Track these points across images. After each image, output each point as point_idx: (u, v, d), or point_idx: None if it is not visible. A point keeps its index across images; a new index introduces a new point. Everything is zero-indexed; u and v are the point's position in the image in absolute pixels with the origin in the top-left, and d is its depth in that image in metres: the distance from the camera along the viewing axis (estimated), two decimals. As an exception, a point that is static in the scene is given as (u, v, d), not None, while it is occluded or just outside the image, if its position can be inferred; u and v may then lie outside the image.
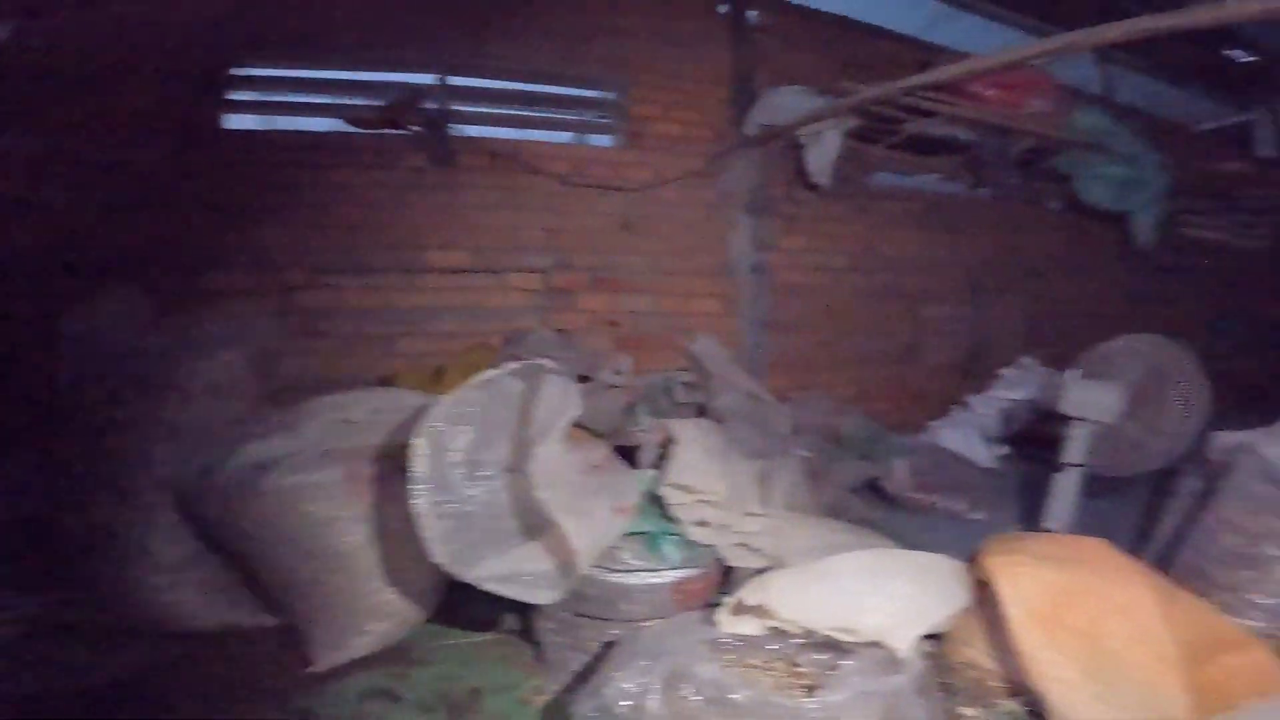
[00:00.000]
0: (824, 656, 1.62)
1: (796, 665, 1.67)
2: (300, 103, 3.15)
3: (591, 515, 1.65)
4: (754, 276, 3.84)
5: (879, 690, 1.45)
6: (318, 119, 3.17)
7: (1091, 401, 2.33)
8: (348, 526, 1.84)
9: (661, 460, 2.06)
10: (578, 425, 2.25)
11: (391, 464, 1.74)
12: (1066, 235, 4.82)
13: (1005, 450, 3.77)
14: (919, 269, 4.36)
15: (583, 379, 2.80)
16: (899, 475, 3.21)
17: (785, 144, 3.82)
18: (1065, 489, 2.51)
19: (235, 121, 3.02)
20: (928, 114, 3.65)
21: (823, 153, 3.65)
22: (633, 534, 1.88)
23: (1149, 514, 2.33)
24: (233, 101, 3.01)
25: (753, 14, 3.90)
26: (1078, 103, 3.89)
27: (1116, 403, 2.30)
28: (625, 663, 1.56)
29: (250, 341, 2.15)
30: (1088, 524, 2.83)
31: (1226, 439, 1.97)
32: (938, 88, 3.29)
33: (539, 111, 3.57)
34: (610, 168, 3.61)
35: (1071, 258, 4.87)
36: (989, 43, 4.41)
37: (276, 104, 3.14)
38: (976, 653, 1.69)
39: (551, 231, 3.45)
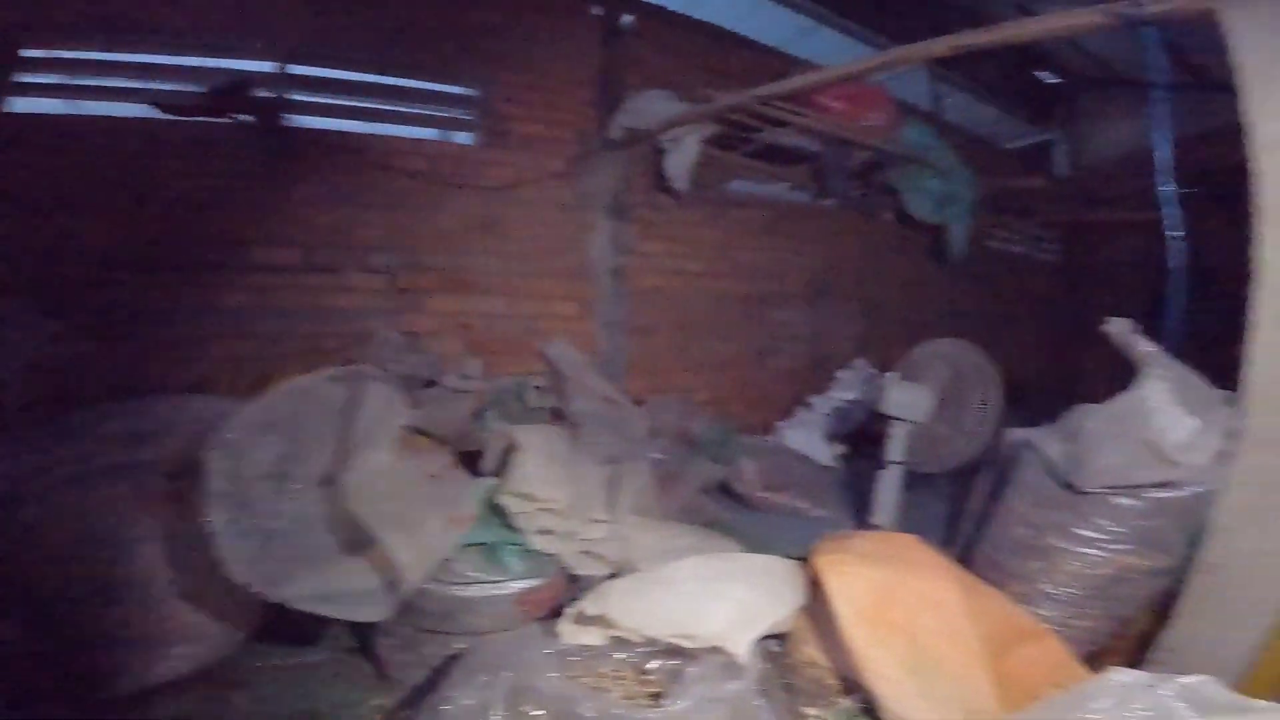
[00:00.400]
0: (674, 663, 1.63)
1: (645, 673, 1.67)
2: (104, 86, 2.75)
3: (421, 528, 1.56)
4: (612, 280, 3.85)
5: (720, 696, 1.47)
6: (127, 104, 2.77)
7: (907, 402, 2.54)
8: (137, 546, 1.62)
9: (503, 468, 1.99)
10: (421, 432, 2.14)
11: (189, 478, 1.55)
12: (896, 245, 5.23)
13: (843, 449, 4.04)
14: (769, 274, 4.57)
15: (429, 383, 2.67)
16: (747, 475, 3.33)
17: (647, 148, 3.86)
18: (889, 485, 2.72)
19: (20, 105, 2.60)
20: (780, 123, 3.80)
21: (682, 158, 3.71)
22: (472, 545, 1.81)
23: (957, 508, 2.56)
24: (19, 83, 2.59)
25: (627, 18, 3.91)
26: (906, 118, 4.21)
27: (927, 403, 2.52)
28: (465, 679, 1.50)
29: (15, 342, 1.83)
30: (912, 518, 3.06)
31: (1014, 435, 2.20)
32: (789, 98, 3.46)
33: (391, 105, 3.36)
34: (468, 166, 3.48)
35: (900, 266, 5.30)
36: (846, 57, 4.70)
37: (75, 87, 2.72)
38: (816, 651, 1.73)
39: (399, 230, 3.26)
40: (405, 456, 1.67)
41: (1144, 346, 1.82)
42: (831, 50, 4.66)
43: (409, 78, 3.35)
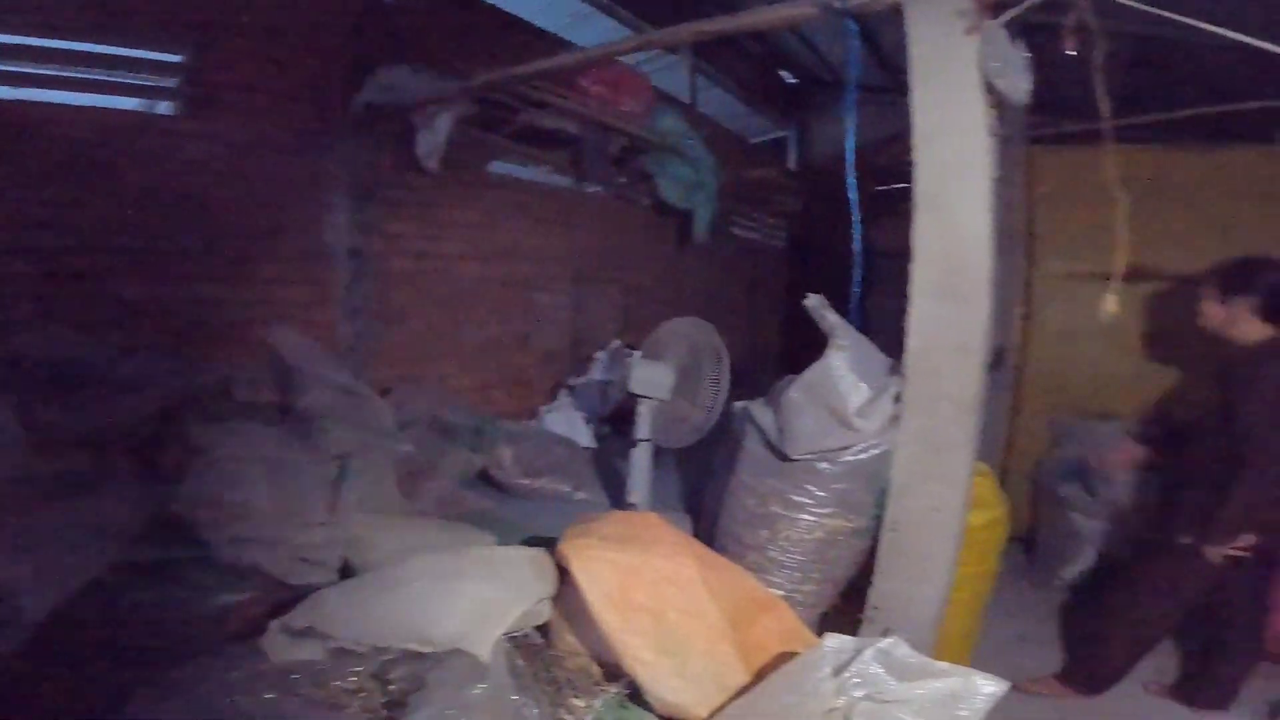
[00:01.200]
0: (419, 668, 1.50)
1: (389, 683, 1.53)
2: None
3: (48, 546, 1.25)
4: (352, 262, 3.51)
5: (466, 701, 1.38)
6: None
7: (650, 380, 2.64)
8: None
9: (185, 472, 1.69)
10: (67, 437, 1.74)
11: None
12: (653, 229, 5.46)
13: (605, 429, 4.14)
14: (531, 257, 4.52)
15: (102, 378, 2.19)
16: (506, 462, 3.26)
17: (398, 125, 3.56)
18: (640, 464, 2.81)
19: None
20: (540, 105, 3.74)
21: (433, 136, 3.49)
22: (151, 564, 1.51)
23: (701, 482, 2.71)
24: None
25: (386, -10, 3.56)
26: (660, 106, 4.39)
27: (668, 380, 2.65)
28: (150, 710, 1.29)
29: None
30: (666, 494, 3.20)
31: (736, 408, 2.37)
32: (549, 80, 3.39)
33: (56, 70, 2.70)
34: (165, 137, 2.94)
35: (657, 249, 5.56)
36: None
37: None
38: (576, 640, 1.68)
39: (64, 208, 2.65)
40: (31, 465, 1.33)
41: (831, 319, 2.06)
42: (605, 38, 4.71)
43: (82, 39, 2.72)
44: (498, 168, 4.31)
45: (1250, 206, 3.45)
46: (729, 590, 1.70)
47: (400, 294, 3.79)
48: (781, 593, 2.12)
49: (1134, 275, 3.74)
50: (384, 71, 3.40)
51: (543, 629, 1.72)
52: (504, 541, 2.07)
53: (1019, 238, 3.87)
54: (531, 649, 1.67)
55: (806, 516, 2.06)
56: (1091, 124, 4.08)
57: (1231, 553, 2.02)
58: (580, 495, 3.36)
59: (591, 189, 4.76)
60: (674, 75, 5.70)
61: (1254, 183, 3.46)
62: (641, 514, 1.96)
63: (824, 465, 2.00)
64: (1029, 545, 3.78)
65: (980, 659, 2.36)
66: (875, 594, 1.99)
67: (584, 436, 3.92)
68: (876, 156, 6.04)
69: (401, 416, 3.09)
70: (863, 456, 1.97)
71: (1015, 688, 1.60)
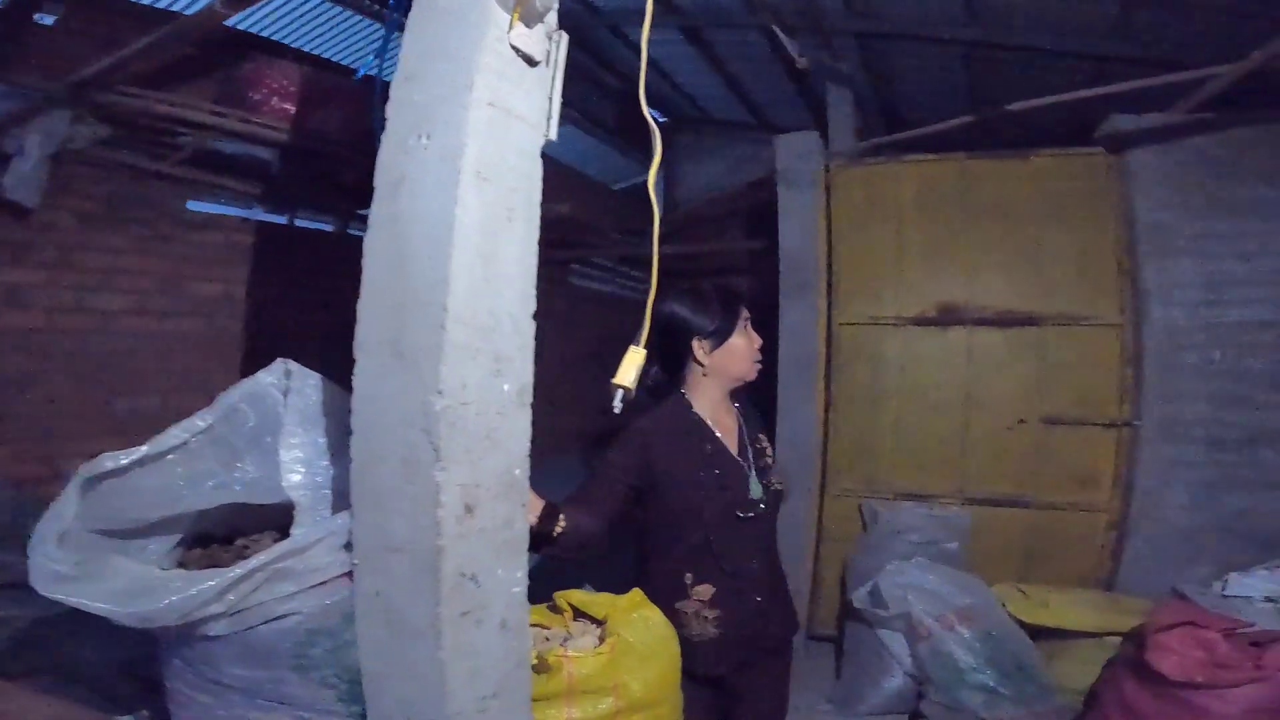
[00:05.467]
0: None
1: None
2: None
3: None
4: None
5: None
6: None
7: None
8: None
9: None
10: None
11: None
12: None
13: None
14: (242, 311, 3.68)
15: None
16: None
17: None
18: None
19: None
20: (204, 126, 3.02)
21: (25, 164, 2.71)
22: None
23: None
24: None
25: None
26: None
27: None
28: None
29: None
30: None
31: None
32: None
33: None
34: None
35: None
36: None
37: None
38: None
39: None
40: None
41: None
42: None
43: None
44: (191, 204, 3.49)
45: (1060, 221, 2.81)
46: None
47: (19, 359, 2.90)
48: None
49: (946, 317, 3.08)
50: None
51: None
52: None
53: (817, 276, 3.15)
54: None
55: (220, 708, 1.22)
56: (897, 134, 3.40)
57: None
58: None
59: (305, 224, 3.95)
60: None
61: (1066, 193, 2.81)
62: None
63: (210, 645, 1.15)
64: (838, 652, 3.03)
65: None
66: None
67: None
68: (738, 201, 5.38)
69: None
70: (265, 628, 1.14)
71: None
